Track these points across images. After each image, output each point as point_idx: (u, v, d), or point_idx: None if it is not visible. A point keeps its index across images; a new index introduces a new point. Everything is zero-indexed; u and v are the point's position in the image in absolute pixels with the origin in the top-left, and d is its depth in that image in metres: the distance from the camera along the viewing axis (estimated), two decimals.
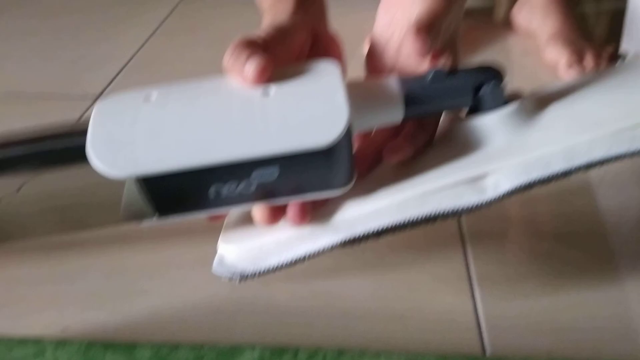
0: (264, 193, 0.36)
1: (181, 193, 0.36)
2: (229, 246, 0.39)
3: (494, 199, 0.36)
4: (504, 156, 0.38)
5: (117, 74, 0.83)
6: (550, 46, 0.83)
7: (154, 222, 0.38)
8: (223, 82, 0.39)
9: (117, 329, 0.44)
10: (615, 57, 0.81)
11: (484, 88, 0.39)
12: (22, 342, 0.36)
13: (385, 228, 0.36)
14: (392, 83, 0.39)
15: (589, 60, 0.80)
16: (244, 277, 0.37)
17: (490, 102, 0.40)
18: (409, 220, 0.36)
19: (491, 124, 0.39)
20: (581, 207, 0.57)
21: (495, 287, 0.48)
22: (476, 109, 0.40)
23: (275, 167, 0.35)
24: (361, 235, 0.36)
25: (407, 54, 0.41)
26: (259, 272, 0.37)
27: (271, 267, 0.37)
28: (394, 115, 0.39)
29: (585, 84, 0.43)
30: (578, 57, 0.80)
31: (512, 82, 0.81)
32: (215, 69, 0.86)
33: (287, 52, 0.41)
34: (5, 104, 0.75)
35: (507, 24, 0.96)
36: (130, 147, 0.34)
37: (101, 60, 0.87)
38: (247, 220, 0.41)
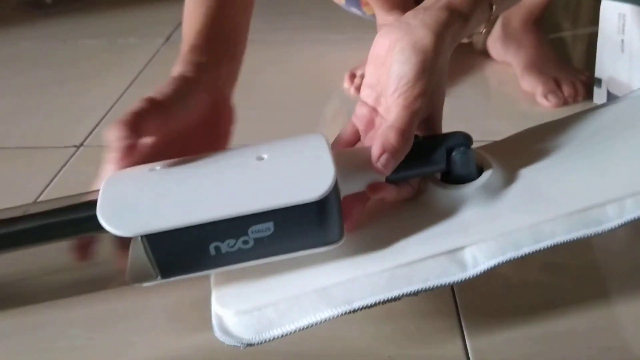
0: (261, 250, 0.39)
1: (183, 251, 0.38)
2: (226, 310, 0.41)
3: (475, 275, 0.41)
4: (477, 231, 0.42)
5: (98, 123, 0.83)
6: (526, 76, 0.84)
7: (157, 283, 0.40)
8: (220, 153, 0.43)
9: None
10: (590, 83, 0.82)
11: (455, 152, 0.44)
12: None
13: (378, 302, 0.40)
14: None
15: (565, 89, 0.81)
16: (250, 345, 0.39)
17: (461, 165, 0.44)
18: (400, 295, 0.40)
19: (465, 195, 0.44)
20: None
21: (482, 321, 0.47)
22: (449, 172, 0.45)
23: (270, 223, 0.38)
24: (357, 308, 0.40)
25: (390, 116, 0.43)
26: (264, 342, 0.39)
27: (275, 337, 0.39)
28: (376, 180, 0.43)
29: (554, 138, 0.49)
30: (554, 86, 0.81)
31: (492, 111, 0.83)
32: None
33: (183, 110, 0.46)
34: None
35: (485, 53, 0.97)
36: (136, 209, 0.38)
37: (83, 111, 0.87)
38: (237, 279, 0.43)
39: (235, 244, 0.38)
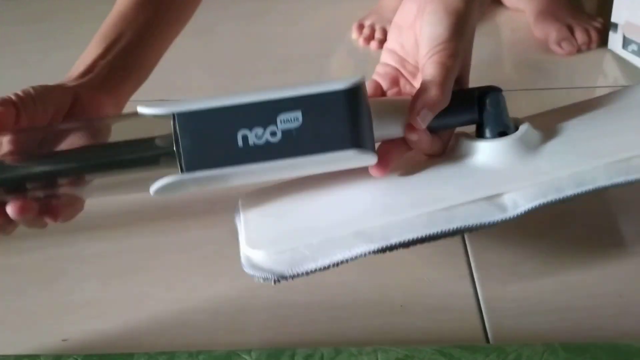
0: (290, 147, 0.39)
1: (210, 138, 0.38)
2: (256, 252, 0.41)
3: (515, 217, 0.40)
4: (517, 179, 0.42)
5: None
6: (539, 23, 0.82)
7: (180, 180, 0.39)
8: None
9: (117, 337, 0.44)
10: (604, 30, 0.80)
11: (487, 99, 0.44)
12: (18, 359, 0.36)
13: (416, 239, 0.40)
14: (409, 99, 0.42)
15: (578, 35, 0.79)
16: (282, 279, 0.39)
17: (495, 114, 0.44)
18: (438, 233, 0.40)
19: (502, 147, 0.44)
20: None
21: (494, 271, 0.47)
22: (483, 124, 0.44)
23: (298, 112, 0.38)
24: (394, 244, 0.39)
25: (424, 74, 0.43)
26: (296, 275, 0.39)
27: (308, 271, 0.39)
28: None
29: (586, 110, 0.48)
30: (567, 33, 0.79)
31: (505, 59, 0.81)
32: (204, 66, 0.84)
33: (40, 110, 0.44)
34: None
35: (497, 0, 0.95)
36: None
37: None
38: (267, 221, 0.43)
39: (263, 134, 0.38)
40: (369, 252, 0.39)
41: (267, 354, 0.36)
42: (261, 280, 0.39)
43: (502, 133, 0.44)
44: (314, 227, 0.42)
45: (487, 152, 0.44)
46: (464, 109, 0.44)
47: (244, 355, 0.36)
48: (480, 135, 0.45)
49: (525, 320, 0.43)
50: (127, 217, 0.56)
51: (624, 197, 0.54)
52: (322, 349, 0.37)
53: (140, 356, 0.37)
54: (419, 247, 0.49)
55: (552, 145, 0.45)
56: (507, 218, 0.40)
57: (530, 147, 0.44)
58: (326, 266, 0.39)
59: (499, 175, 0.43)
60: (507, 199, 0.41)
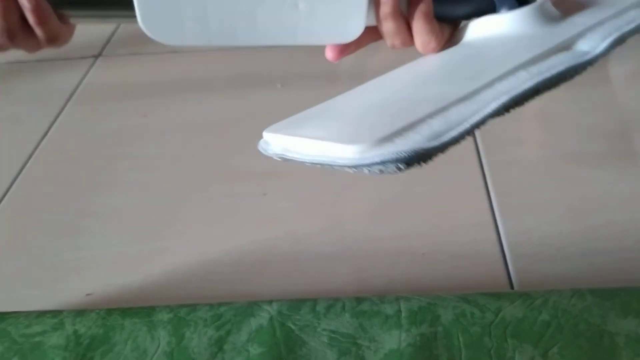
0: None
1: None
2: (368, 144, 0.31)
3: (600, 54, 0.34)
4: (577, 24, 0.36)
5: (115, 30, 0.81)
6: None
7: None
8: None
9: (139, 291, 0.44)
10: None
11: None
12: (41, 315, 0.36)
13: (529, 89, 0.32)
14: None
15: None
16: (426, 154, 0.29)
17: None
18: (535, 86, 0.33)
19: (533, 13, 0.37)
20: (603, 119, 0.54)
21: (518, 217, 0.46)
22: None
23: None
24: (516, 95, 0.32)
25: None
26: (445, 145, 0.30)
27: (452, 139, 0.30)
28: None
29: None
30: None
31: None
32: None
33: None
34: (9, 75, 0.74)
35: None
36: None
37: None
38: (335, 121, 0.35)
39: None
40: (501, 106, 0.31)
41: (288, 305, 0.36)
42: (393, 169, 0.29)
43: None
44: (409, 107, 0.33)
45: (516, 22, 0.38)
46: None
47: (265, 307, 0.36)
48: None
49: (550, 265, 0.42)
50: (146, 173, 0.55)
51: None
52: (343, 298, 0.36)
53: (161, 309, 0.37)
54: (441, 192, 0.48)
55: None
56: (593, 57, 0.34)
57: (554, 17, 0.38)
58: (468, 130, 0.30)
59: (549, 34, 0.37)
60: (581, 45, 0.35)
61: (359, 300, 0.36)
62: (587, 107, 0.57)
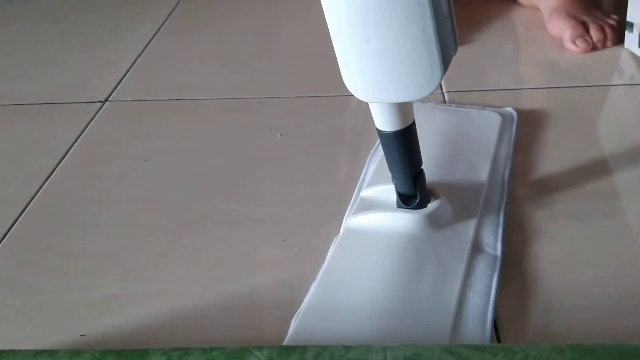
0: None
1: None
2: None
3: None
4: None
5: (123, 77, 0.83)
6: (553, 20, 0.82)
7: None
8: None
9: (133, 333, 0.45)
10: (620, 27, 0.79)
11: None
12: (37, 355, 0.37)
13: None
14: None
15: (593, 33, 0.79)
16: None
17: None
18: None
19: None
20: None
21: (506, 271, 0.48)
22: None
23: None
24: None
25: None
26: None
27: None
28: None
29: None
30: (582, 30, 0.79)
31: (520, 58, 0.81)
32: (219, 63, 0.87)
33: None
34: (16, 117, 0.76)
35: None
36: None
37: (107, 64, 0.88)
38: None
39: None
40: None
41: (278, 351, 0.37)
42: None
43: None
44: None
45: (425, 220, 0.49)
46: None
47: (255, 352, 0.37)
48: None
49: (535, 320, 0.43)
50: (144, 216, 0.57)
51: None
52: (331, 346, 0.37)
53: (155, 352, 0.38)
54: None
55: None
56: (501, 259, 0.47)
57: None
58: None
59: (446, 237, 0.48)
60: (486, 247, 0.48)
61: (347, 348, 0.37)
62: (569, 165, 0.59)
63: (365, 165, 0.60)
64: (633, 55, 0.77)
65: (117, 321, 0.46)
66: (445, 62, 0.39)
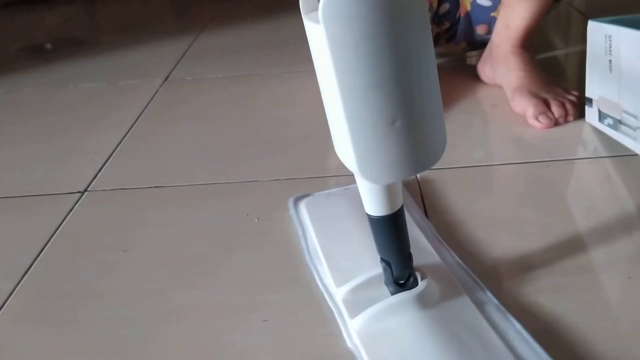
0: None
1: None
2: None
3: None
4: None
5: (102, 167, 0.84)
6: (516, 98, 0.86)
7: None
8: None
9: None
10: (581, 102, 0.83)
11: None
12: None
13: None
14: None
15: (555, 109, 0.82)
16: None
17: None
18: None
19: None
20: None
21: None
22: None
23: None
24: None
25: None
26: None
27: None
28: None
29: None
30: (543, 107, 0.83)
31: (486, 135, 0.84)
32: (198, 149, 0.88)
33: None
34: None
35: (477, 76, 0.99)
36: None
37: (86, 154, 0.89)
38: None
39: None
40: None
41: None
42: None
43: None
44: None
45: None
46: None
47: None
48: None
49: None
50: (122, 309, 0.56)
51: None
52: None
53: None
54: None
55: None
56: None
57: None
58: None
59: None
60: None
61: None
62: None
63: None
64: (594, 129, 0.81)
65: None
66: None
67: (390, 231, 0.46)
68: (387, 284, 0.50)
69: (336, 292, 0.54)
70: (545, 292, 0.53)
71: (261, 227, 0.67)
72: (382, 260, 0.48)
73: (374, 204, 0.45)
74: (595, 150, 0.77)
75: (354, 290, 0.52)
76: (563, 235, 0.60)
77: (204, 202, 0.73)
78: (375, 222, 0.46)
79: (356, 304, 0.51)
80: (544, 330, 0.49)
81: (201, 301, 0.56)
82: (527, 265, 0.57)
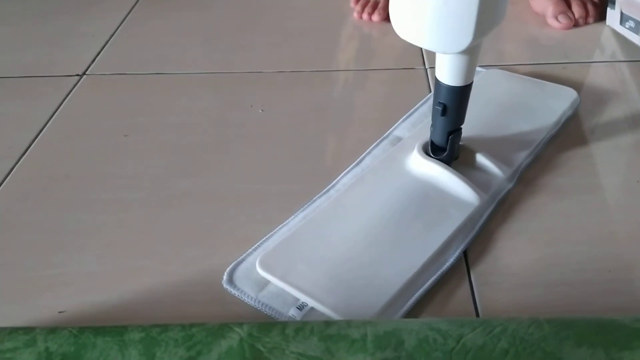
0: None
1: None
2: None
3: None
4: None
5: (100, 51, 0.82)
6: None
7: None
8: None
9: (112, 310, 0.45)
10: (602, 4, 0.79)
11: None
12: (13, 332, 0.37)
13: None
14: None
15: (576, 9, 0.79)
16: None
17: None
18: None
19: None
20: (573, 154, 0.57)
21: (485, 246, 0.48)
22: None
23: None
24: None
25: None
26: None
27: None
28: None
29: None
30: (564, 6, 0.79)
31: (503, 34, 0.81)
32: (199, 37, 0.85)
33: None
34: None
35: None
36: None
37: (84, 38, 0.86)
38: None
39: None
40: None
41: (258, 327, 0.37)
42: None
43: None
44: None
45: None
46: None
47: (235, 328, 0.37)
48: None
49: (514, 294, 0.44)
50: (124, 192, 0.56)
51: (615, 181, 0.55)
52: (312, 322, 0.37)
53: (134, 328, 0.38)
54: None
55: None
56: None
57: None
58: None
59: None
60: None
61: (328, 323, 0.37)
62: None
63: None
64: (615, 32, 0.77)
65: (96, 298, 0.46)
66: (482, 27, 0.42)
67: (444, 99, 0.48)
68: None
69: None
70: (546, 191, 0.53)
71: (265, 117, 0.65)
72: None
73: (439, 69, 0.47)
74: (613, 54, 0.74)
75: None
76: (572, 138, 0.59)
77: (206, 91, 0.71)
78: (436, 85, 0.48)
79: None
80: (539, 229, 0.49)
81: (202, 188, 0.56)
82: (532, 164, 0.56)
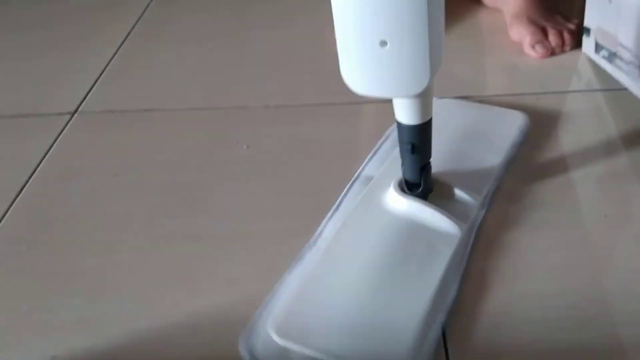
0: None
1: None
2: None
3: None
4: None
5: (92, 87, 0.84)
6: (515, 25, 0.84)
7: None
8: None
9: (103, 354, 0.46)
10: (579, 32, 0.81)
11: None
12: None
13: None
14: None
15: (552, 38, 0.81)
16: None
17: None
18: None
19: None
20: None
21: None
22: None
23: None
24: None
25: None
26: None
27: None
28: None
29: None
30: (541, 36, 0.81)
31: (482, 62, 0.83)
32: (188, 71, 0.86)
33: None
34: None
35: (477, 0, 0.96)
36: None
37: (75, 74, 0.88)
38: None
39: None
40: None
41: None
42: None
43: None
44: None
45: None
46: None
47: None
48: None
49: (482, 335, 0.46)
50: (112, 233, 0.58)
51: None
52: None
53: None
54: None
55: None
56: None
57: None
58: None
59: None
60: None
61: None
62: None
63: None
64: (590, 60, 0.80)
65: (86, 342, 0.47)
66: (434, 66, 0.43)
67: (408, 140, 0.50)
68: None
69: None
70: (518, 225, 0.54)
71: (249, 154, 0.67)
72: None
73: (400, 112, 0.49)
74: (589, 83, 0.76)
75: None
76: (547, 167, 0.61)
77: (193, 127, 0.73)
78: (398, 127, 0.50)
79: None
80: (509, 265, 0.51)
81: (189, 228, 0.58)
82: (512, 195, 0.58)
